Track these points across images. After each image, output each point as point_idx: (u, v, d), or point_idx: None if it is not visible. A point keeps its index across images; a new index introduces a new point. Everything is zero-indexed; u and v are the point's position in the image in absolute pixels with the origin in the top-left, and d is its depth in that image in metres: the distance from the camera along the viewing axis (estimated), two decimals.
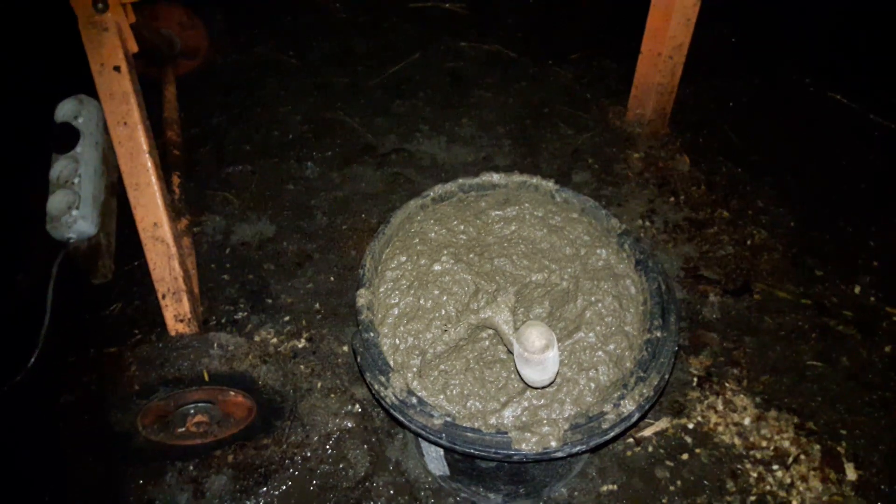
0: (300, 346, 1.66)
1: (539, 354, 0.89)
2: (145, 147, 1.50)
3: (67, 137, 1.77)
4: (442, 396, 1.09)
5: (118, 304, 1.73)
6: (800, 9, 2.63)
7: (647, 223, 1.98)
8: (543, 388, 1.04)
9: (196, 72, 2.36)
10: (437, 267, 1.27)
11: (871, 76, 2.40)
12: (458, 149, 2.23)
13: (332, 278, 1.83)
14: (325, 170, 2.14)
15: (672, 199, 2.04)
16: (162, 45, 2.16)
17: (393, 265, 1.31)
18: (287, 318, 1.73)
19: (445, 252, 1.30)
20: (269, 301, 1.77)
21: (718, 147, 2.20)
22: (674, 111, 2.22)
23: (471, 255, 1.31)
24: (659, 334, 1.13)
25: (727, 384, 1.58)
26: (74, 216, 1.68)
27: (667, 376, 1.06)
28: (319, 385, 1.58)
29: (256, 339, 1.66)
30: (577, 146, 2.23)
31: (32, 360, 1.60)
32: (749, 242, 1.92)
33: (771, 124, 2.27)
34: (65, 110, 1.81)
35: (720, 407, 1.53)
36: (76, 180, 1.73)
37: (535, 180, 1.42)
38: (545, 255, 1.31)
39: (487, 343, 1.17)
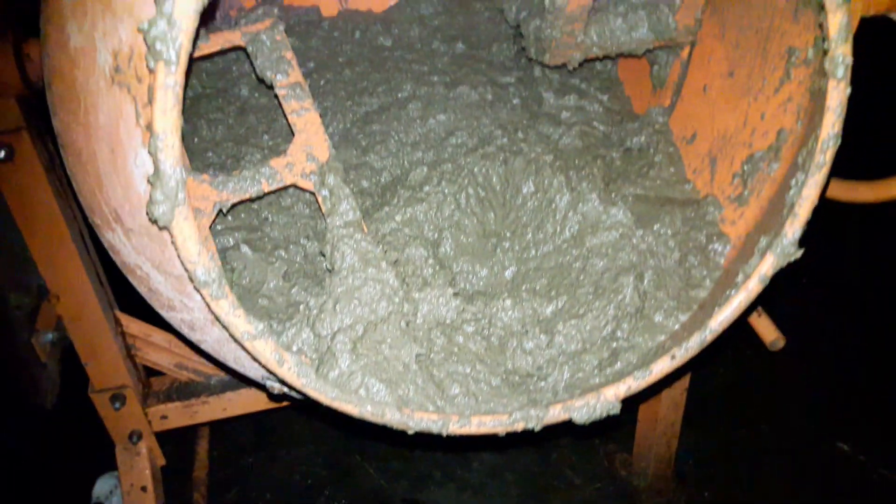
0: None
1: None
2: None
3: None
4: None
5: None
6: (797, 355, 2.74)
7: None
8: None
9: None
10: None
11: (876, 426, 2.44)
12: (468, 498, 2.32)
13: None
14: None
15: None
16: None
17: None
18: None
19: None
20: None
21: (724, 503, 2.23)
22: (679, 458, 2.29)
23: None
24: None
25: None
26: None
27: None
28: None
29: None
30: (584, 498, 2.30)
31: None
32: None
33: (777, 476, 2.31)
34: (100, 488, 2.02)
35: None
36: None
37: None
38: None
39: None
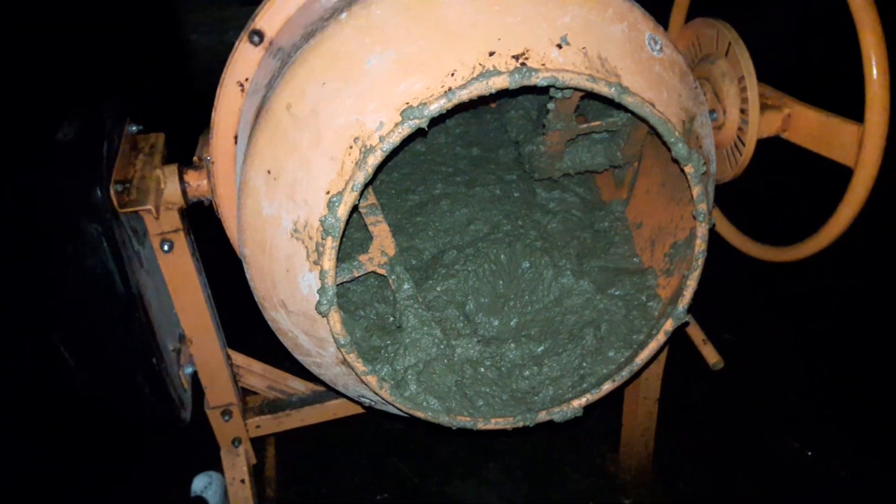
0: None
1: None
2: None
3: None
4: None
5: None
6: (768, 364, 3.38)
7: None
8: None
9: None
10: None
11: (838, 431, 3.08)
12: (486, 491, 2.98)
13: None
14: None
15: None
16: None
17: None
18: None
19: None
20: None
21: (697, 495, 2.87)
22: (659, 459, 2.94)
23: None
24: None
25: None
26: None
27: None
28: None
29: None
30: (580, 489, 2.95)
31: None
32: None
33: (743, 473, 2.95)
34: (198, 484, 2.68)
35: None
36: None
37: None
38: None
39: None
